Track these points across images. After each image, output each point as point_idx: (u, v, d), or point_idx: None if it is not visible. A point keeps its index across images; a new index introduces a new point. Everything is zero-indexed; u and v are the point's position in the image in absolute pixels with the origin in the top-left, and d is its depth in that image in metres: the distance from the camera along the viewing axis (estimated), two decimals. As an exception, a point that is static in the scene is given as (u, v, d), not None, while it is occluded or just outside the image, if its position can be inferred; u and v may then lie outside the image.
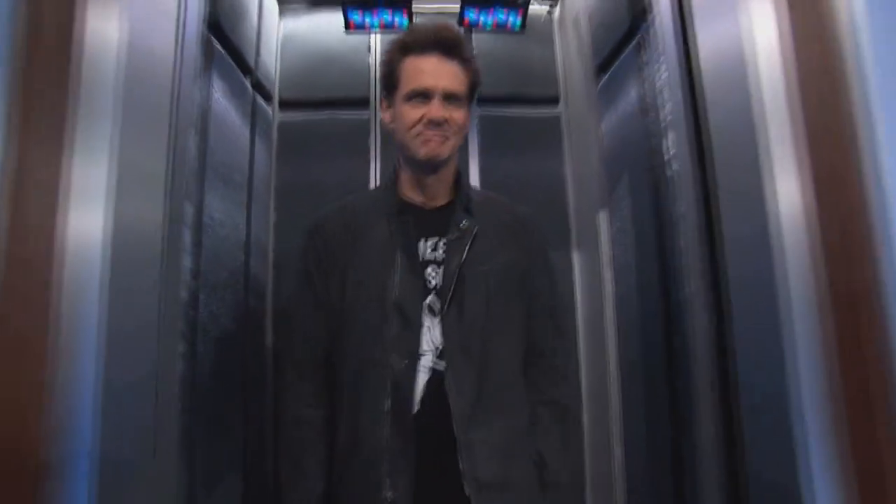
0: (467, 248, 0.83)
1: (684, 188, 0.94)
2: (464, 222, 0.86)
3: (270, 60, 1.57)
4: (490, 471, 0.76)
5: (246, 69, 1.32)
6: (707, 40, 0.86)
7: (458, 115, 0.84)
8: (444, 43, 0.83)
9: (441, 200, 0.89)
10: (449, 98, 0.82)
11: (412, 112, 0.81)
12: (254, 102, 1.40)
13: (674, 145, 0.98)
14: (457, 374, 0.78)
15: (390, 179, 0.92)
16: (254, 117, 1.39)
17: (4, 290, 0.54)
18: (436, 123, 0.81)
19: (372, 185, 1.63)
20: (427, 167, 0.85)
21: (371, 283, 0.81)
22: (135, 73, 0.69)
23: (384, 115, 0.90)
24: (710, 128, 0.85)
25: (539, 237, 0.95)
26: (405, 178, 0.90)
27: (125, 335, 0.65)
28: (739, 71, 0.73)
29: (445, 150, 0.83)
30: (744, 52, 0.72)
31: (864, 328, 0.57)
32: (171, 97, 0.81)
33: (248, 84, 1.35)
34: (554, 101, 1.74)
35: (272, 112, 1.60)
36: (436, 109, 0.80)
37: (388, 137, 1.27)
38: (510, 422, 0.81)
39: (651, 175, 1.11)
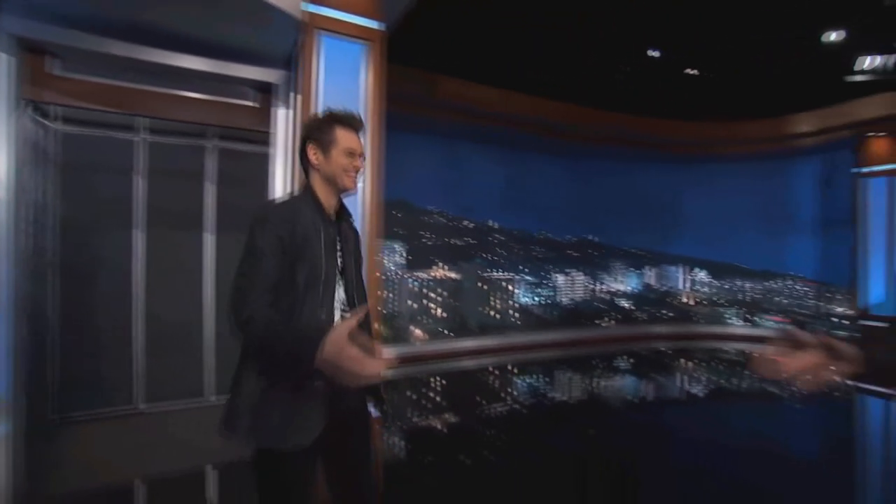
0: (352, 246, 1.39)
1: None
2: (348, 233, 1.40)
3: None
4: None
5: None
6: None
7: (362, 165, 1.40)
8: (358, 125, 1.37)
9: (335, 215, 1.37)
10: (361, 156, 1.36)
11: (346, 161, 1.31)
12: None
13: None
14: (352, 310, 1.34)
15: (310, 195, 1.32)
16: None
17: None
18: (357, 169, 1.34)
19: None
20: (343, 193, 1.37)
21: (315, 265, 1.25)
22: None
23: (312, 157, 1.31)
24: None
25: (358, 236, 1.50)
26: (322, 197, 1.32)
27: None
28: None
29: (351, 180, 1.36)
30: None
31: None
32: None
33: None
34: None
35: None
36: (359, 162, 1.35)
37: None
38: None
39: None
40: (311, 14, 2.29)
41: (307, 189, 1.33)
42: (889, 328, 6.13)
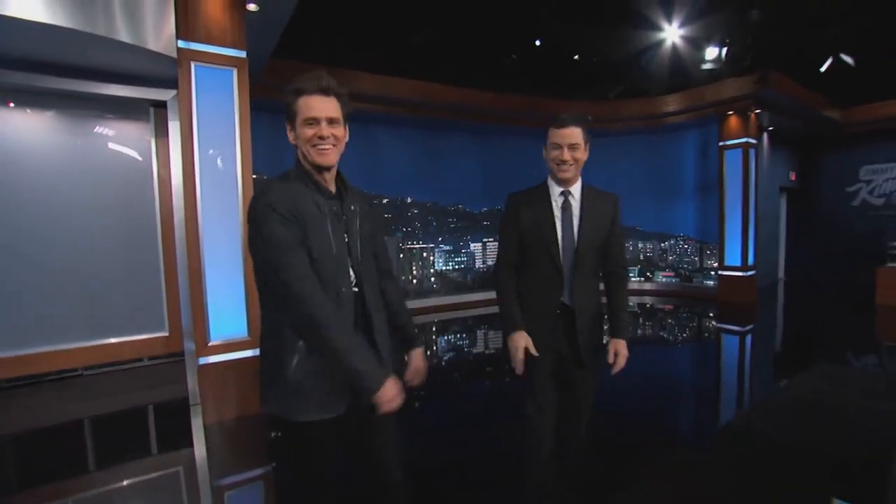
0: (357, 219, 1.32)
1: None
2: (353, 206, 1.33)
3: None
4: (381, 321, 1.38)
5: None
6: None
7: (337, 132, 1.23)
8: (322, 87, 1.20)
9: (332, 189, 1.30)
10: (330, 122, 1.21)
11: (309, 132, 1.19)
12: None
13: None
14: (366, 285, 1.33)
15: (301, 171, 1.25)
16: None
17: None
18: (322, 138, 1.19)
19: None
20: (322, 169, 1.24)
21: (323, 241, 1.22)
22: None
23: (289, 135, 1.24)
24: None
25: (379, 213, 1.67)
26: (314, 173, 1.25)
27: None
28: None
29: (333, 158, 1.24)
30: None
31: None
32: None
33: None
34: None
35: None
36: (325, 130, 1.19)
37: None
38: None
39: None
40: (184, 50, 2.99)
41: (297, 165, 1.28)
42: (738, 277, 7.33)
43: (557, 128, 1.71)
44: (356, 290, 1.28)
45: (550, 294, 1.76)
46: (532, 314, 1.77)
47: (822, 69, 6.39)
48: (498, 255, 1.90)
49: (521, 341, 1.70)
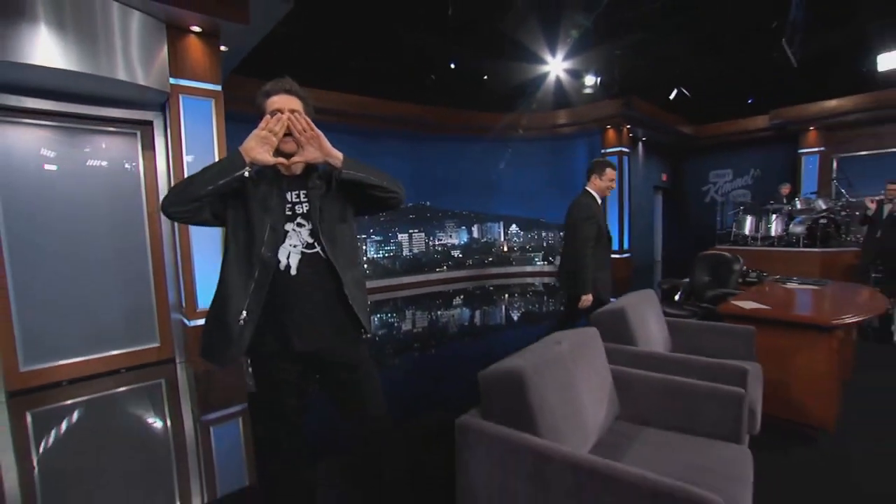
0: (322, 196, 1.48)
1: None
2: (317, 183, 1.49)
3: None
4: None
5: None
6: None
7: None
8: (286, 88, 1.45)
9: (302, 172, 1.50)
10: (291, 111, 1.41)
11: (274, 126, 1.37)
12: None
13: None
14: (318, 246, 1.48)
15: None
16: None
17: None
18: (282, 125, 1.38)
19: None
20: (285, 155, 1.44)
21: (266, 210, 1.42)
22: None
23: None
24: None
25: None
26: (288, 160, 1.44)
27: None
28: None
29: (293, 146, 1.43)
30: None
31: None
32: None
33: None
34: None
35: None
36: (283, 118, 1.38)
37: None
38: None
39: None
40: (174, 85, 3.88)
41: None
42: (617, 259, 9.15)
43: (614, 169, 3.21)
44: (311, 251, 1.48)
45: None
46: None
47: (671, 97, 8.28)
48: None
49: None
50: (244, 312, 1.37)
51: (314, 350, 1.47)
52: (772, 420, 2.60)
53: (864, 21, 5.49)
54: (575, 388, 1.65)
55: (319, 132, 1.44)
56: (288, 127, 1.41)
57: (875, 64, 6.07)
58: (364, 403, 1.55)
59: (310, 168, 1.53)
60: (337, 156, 1.45)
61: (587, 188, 3.26)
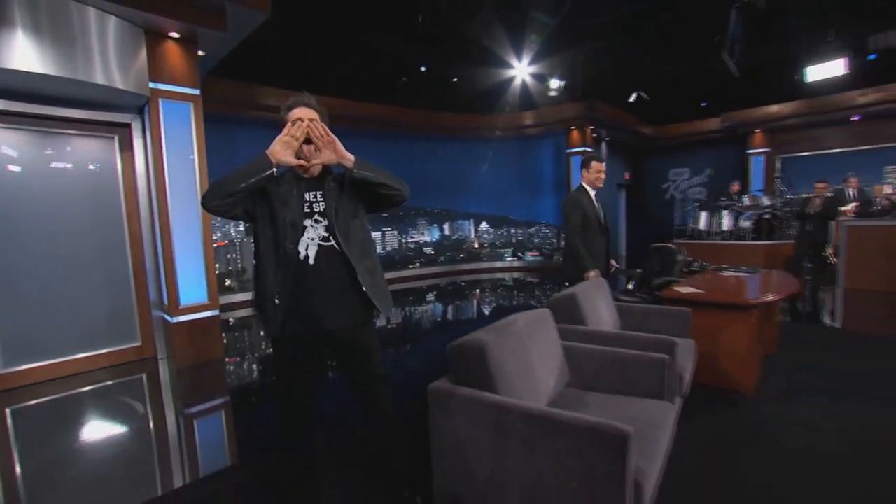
0: (337, 196, 1.69)
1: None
2: (332, 185, 1.71)
3: None
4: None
5: None
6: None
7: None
8: (306, 102, 1.70)
9: (319, 175, 1.72)
10: (310, 120, 1.64)
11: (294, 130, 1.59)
12: None
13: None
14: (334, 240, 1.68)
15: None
16: None
17: None
18: (295, 131, 1.60)
19: None
20: (313, 162, 1.68)
21: (287, 210, 1.65)
22: None
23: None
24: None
25: None
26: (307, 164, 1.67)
27: None
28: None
29: (311, 150, 1.66)
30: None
31: None
32: None
33: None
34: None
35: None
36: (296, 126, 1.60)
37: None
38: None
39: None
40: (154, 89, 4.01)
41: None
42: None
43: (600, 161, 3.39)
44: (327, 244, 1.67)
45: None
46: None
47: (631, 100, 8.78)
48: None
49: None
50: (277, 296, 1.61)
51: (333, 329, 1.68)
52: (705, 388, 3.02)
53: (792, 37, 6.06)
54: (529, 358, 1.96)
55: (335, 137, 1.67)
56: (308, 133, 1.63)
57: (804, 76, 6.67)
58: (374, 379, 1.79)
59: (325, 172, 1.75)
60: (350, 158, 1.66)
61: (581, 182, 3.55)
